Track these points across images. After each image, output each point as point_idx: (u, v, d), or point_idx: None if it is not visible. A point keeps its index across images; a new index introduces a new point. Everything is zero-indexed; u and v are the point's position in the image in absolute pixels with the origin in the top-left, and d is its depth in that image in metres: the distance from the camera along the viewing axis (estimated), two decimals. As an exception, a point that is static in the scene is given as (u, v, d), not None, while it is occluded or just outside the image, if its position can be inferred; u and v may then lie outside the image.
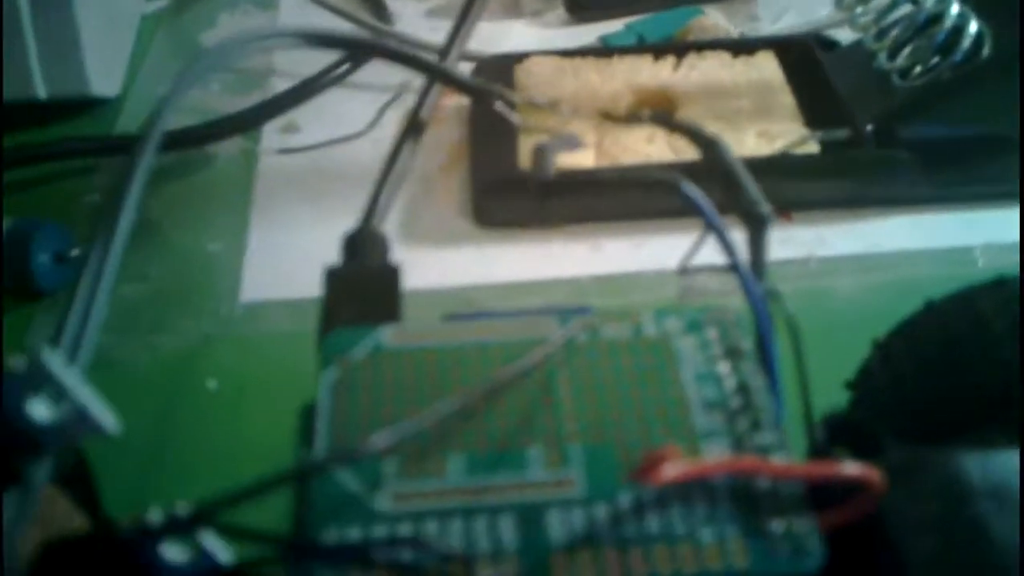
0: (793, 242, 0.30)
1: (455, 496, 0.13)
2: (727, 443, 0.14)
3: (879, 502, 0.14)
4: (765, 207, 0.16)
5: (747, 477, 0.13)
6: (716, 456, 0.14)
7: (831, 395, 0.20)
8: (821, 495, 0.14)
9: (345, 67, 0.37)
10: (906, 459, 0.16)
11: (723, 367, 0.15)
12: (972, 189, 0.31)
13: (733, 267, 0.16)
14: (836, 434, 0.16)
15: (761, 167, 0.30)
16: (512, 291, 0.29)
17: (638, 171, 0.16)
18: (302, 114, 0.35)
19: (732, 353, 0.15)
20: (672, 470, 0.13)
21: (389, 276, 0.17)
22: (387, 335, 0.15)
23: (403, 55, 0.20)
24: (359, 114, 0.35)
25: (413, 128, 0.20)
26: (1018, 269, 0.29)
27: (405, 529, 0.13)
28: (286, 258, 0.30)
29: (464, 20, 0.25)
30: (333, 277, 0.17)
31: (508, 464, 0.13)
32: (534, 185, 0.17)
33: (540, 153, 0.18)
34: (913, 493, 0.15)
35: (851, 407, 0.20)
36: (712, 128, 0.31)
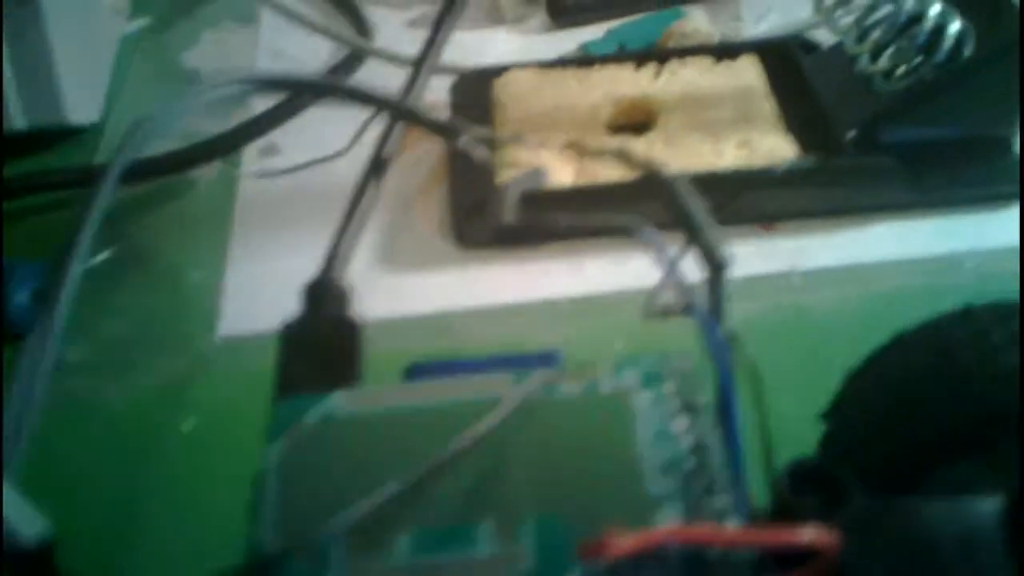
0: (774, 255, 0.30)
1: (403, 576, 0.13)
2: (681, 508, 0.14)
3: (842, 556, 0.14)
4: (723, 251, 0.16)
5: (699, 546, 0.13)
6: (669, 523, 0.13)
7: (808, 426, 0.20)
8: (782, 556, 0.14)
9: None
10: (870, 510, 0.15)
11: (679, 424, 0.15)
12: (958, 193, 0.31)
13: (690, 312, 0.16)
14: (802, 483, 0.16)
15: (742, 179, 0.30)
16: (492, 316, 0.29)
17: (596, 217, 0.15)
18: (282, 135, 0.35)
19: (689, 408, 0.15)
20: (621, 544, 0.12)
21: (349, 332, 0.17)
22: (338, 402, 0.15)
23: (361, 94, 0.19)
24: (341, 132, 0.35)
25: (375, 169, 0.19)
26: (1006, 276, 0.29)
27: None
28: (266, 288, 0.30)
29: (426, 55, 0.25)
30: (289, 333, 0.17)
31: (458, 539, 0.13)
32: (497, 226, 0.16)
33: (502, 195, 0.17)
34: (878, 546, 0.15)
35: (821, 445, 0.19)
36: (692, 139, 0.32)
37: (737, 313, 0.29)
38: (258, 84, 0.17)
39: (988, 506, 0.15)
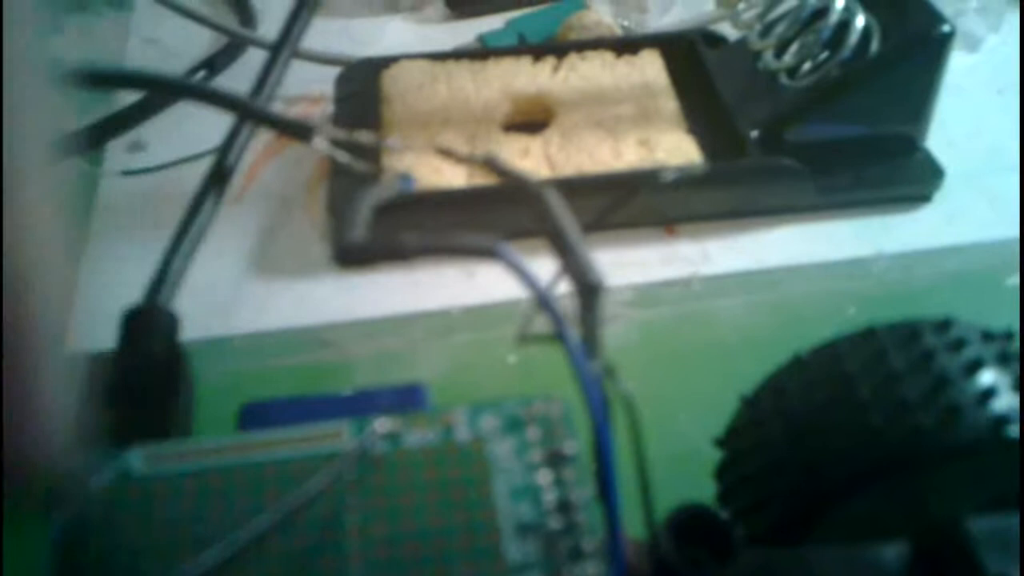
0: (676, 260, 0.28)
1: None
2: (542, 577, 0.12)
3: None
4: (596, 274, 0.14)
5: (559, 626, 0.11)
6: (526, 597, 0.12)
7: (708, 444, 0.19)
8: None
9: (201, 75, 0.34)
10: (759, 564, 0.14)
11: (543, 478, 0.13)
12: (862, 194, 0.29)
13: (562, 340, 0.14)
14: (686, 534, 0.14)
15: (642, 179, 0.29)
16: (376, 327, 0.27)
17: (453, 238, 0.13)
18: (150, 131, 0.32)
19: (555, 459, 0.13)
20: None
21: (171, 371, 0.14)
22: (136, 459, 0.12)
23: (208, 94, 0.17)
24: (212, 128, 0.32)
25: (216, 178, 0.17)
26: (913, 281, 0.28)
27: None
28: (123, 300, 0.27)
29: (282, 44, 0.22)
30: (99, 368, 0.14)
31: (272, 628, 0.11)
32: (338, 245, 0.14)
33: (350, 208, 0.15)
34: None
35: (717, 474, 0.18)
36: (591, 138, 0.30)
37: (636, 321, 0.27)
38: (87, 79, 0.15)
39: (888, 556, 0.14)
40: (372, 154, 0.24)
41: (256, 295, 0.27)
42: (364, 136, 0.17)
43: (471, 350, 0.26)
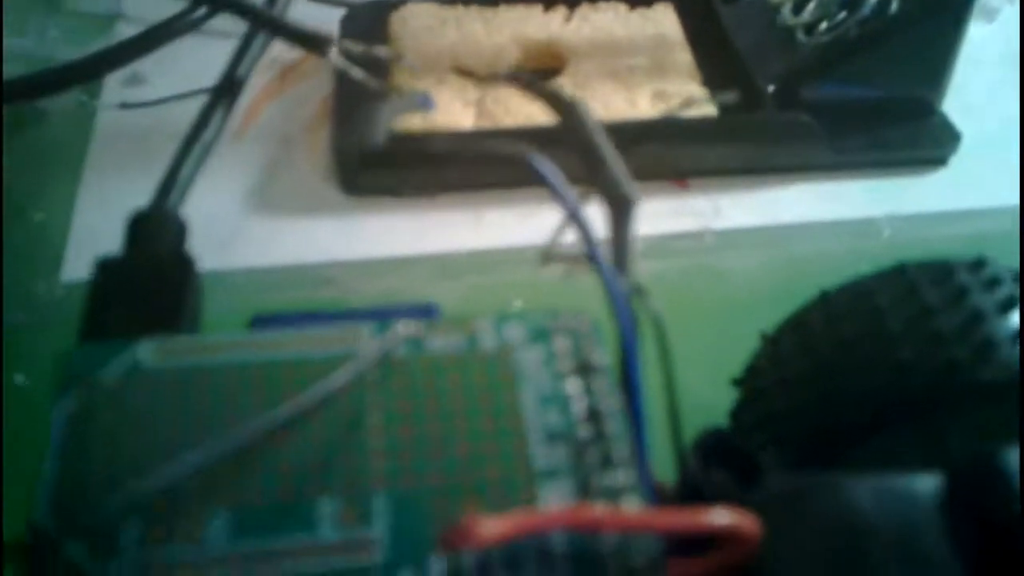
0: (687, 213, 0.27)
1: (213, 570, 0.10)
2: (572, 485, 0.11)
3: (761, 543, 0.12)
4: (630, 188, 0.14)
5: (590, 531, 0.11)
6: (556, 503, 0.11)
7: (719, 395, 0.18)
8: (689, 542, 0.12)
9: (201, 12, 0.33)
10: (790, 488, 0.13)
11: (572, 387, 0.12)
12: (878, 155, 0.29)
13: (592, 259, 0.13)
14: (712, 457, 0.14)
15: (655, 130, 0.28)
16: (380, 267, 0.26)
17: (483, 142, 0.13)
18: (149, 64, 0.31)
19: (584, 369, 0.12)
20: (491, 529, 0.10)
21: (180, 270, 0.14)
22: (147, 351, 0.12)
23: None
24: (212, 65, 0.32)
25: (227, 87, 0.16)
26: (925, 243, 0.28)
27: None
28: (119, 230, 0.26)
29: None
30: (106, 270, 0.13)
31: (289, 522, 0.10)
32: (357, 153, 0.13)
33: (369, 116, 0.15)
34: (801, 531, 0.12)
35: (732, 415, 0.17)
36: (604, 87, 0.29)
37: (646, 272, 0.26)
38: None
39: (924, 485, 0.13)
40: (384, 78, 0.23)
41: (258, 232, 0.27)
42: (381, 50, 0.17)
43: (477, 293, 0.26)
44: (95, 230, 0.26)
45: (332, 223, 0.27)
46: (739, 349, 0.18)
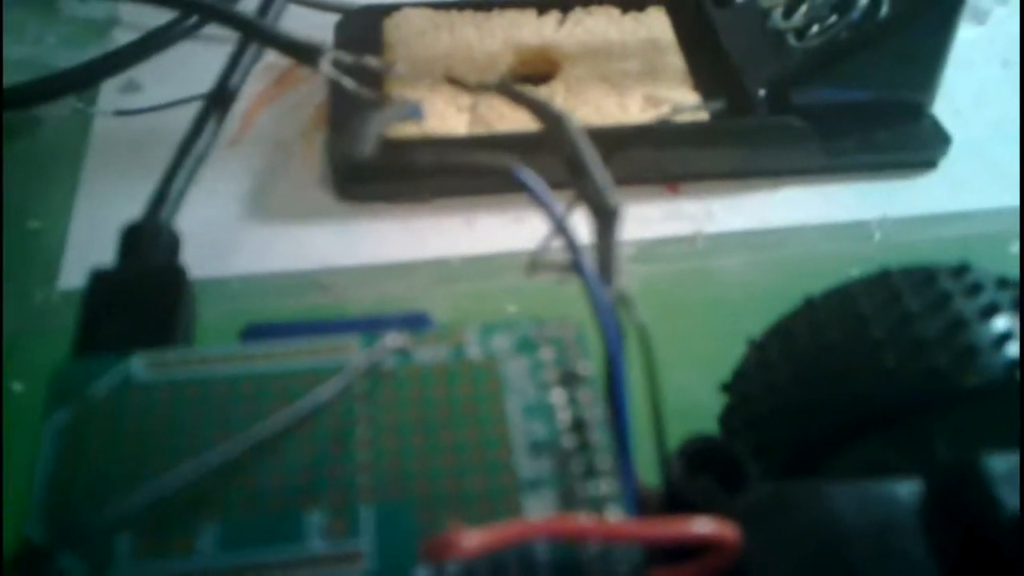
0: (679, 217, 0.28)
1: (203, 581, 0.10)
2: (556, 495, 0.11)
3: (743, 549, 0.12)
4: (614, 198, 0.14)
5: (573, 541, 0.11)
6: (540, 513, 0.11)
7: (709, 399, 0.18)
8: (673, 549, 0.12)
9: (195, 19, 0.33)
10: (773, 494, 0.14)
11: (557, 397, 0.12)
12: (869, 158, 0.29)
13: (577, 269, 0.14)
14: (698, 463, 0.14)
15: (646, 134, 0.28)
16: (374, 274, 0.26)
17: (468, 154, 0.13)
18: (145, 71, 0.31)
19: (569, 379, 0.13)
20: (473, 540, 0.10)
21: (173, 283, 0.14)
22: (139, 365, 0.12)
23: (215, 11, 0.16)
24: (209, 71, 0.32)
25: (220, 96, 0.17)
26: (915, 247, 0.28)
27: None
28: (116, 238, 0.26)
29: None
30: (99, 282, 0.14)
31: (277, 535, 0.11)
32: (344, 164, 0.14)
33: (358, 125, 0.15)
34: (782, 536, 0.13)
35: (721, 420, 0.18)
36: (597, 92, 0.29)
37: (638, 276, 0.27)
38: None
39: (905, 491, 0.13)
40: (377, 85, 0.23)
41: (253, 238, 0.27)
42: (371, 61, 0.17)
43: (470, 299, 0.26)
44: (92, 237, 0.26)
45: (327, 229, 0.27)
46: (731, 353, 0.19)
